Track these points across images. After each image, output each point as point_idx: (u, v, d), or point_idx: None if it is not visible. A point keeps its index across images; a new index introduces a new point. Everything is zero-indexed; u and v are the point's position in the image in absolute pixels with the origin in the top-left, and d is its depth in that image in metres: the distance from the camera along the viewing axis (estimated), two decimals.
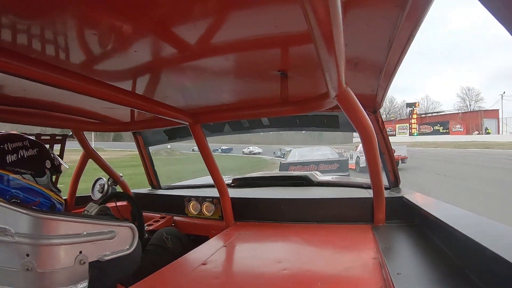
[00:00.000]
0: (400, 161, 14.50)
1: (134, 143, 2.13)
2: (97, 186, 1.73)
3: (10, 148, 0.91)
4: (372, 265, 0.97)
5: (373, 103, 1.40)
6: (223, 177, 1.67)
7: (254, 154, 33.90)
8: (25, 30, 0.66)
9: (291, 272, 1.00)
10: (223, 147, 36.03)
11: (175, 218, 1.91)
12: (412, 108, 43.47)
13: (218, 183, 1.63)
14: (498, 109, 38.94)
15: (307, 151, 12.52)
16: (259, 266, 1.09)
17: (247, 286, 0.95)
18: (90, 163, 1.89)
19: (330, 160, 10.73)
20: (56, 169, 1.07)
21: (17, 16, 0.61)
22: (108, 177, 1.82)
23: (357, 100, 1.01)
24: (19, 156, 0.92)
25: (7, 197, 0.84)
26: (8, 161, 0.89)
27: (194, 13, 0.64)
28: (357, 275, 0.94)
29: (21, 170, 0.91)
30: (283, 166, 10.41)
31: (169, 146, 27.09)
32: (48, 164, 1.01)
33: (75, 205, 1.86)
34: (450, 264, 0.85)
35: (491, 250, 0.63)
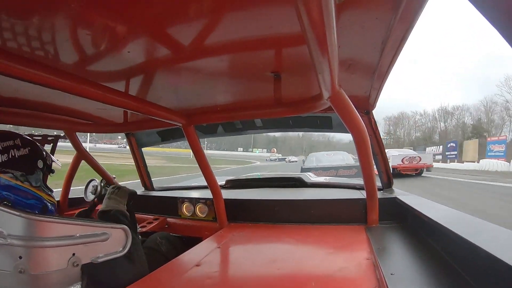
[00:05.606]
0: (424, 169, 15.56)
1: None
2: (90, 188, 1.70)
3: (1, 148, 0.89)
4: (365, 266, 0.97)
5: (366, 105, 1.41)
6: (217, 178, 1.67)
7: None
8: (18, 30, 0.66)
9: (284, 272, 1.01)
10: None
11: (169, 219, 1.89)
12: None
13: (211, 184, 1.62)
14: None
15: (324, 156, 13.08)
16: (253, 266, 1.09)
17: (242, 286, 0.95)
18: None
19: (349, 166, 10.74)
20: (49, 169, 1.05)
21: (10, 15, 0.60)
22: (101, 178, 1.80)
23: (350, 102, 1.02)
24: (10, 156, 0.90)
25: None
26: None
27: (189, 13, 0.64)
28: (350, 275, 0.94)
29: (12, 171, 0.89)
30: (304, 171, 10.11)
31: None
32: (40, 164, 1.00)
33: (68, 207, 1.83)
34: (443, 263, 0.86)
35: (484, 249, 0.63)
